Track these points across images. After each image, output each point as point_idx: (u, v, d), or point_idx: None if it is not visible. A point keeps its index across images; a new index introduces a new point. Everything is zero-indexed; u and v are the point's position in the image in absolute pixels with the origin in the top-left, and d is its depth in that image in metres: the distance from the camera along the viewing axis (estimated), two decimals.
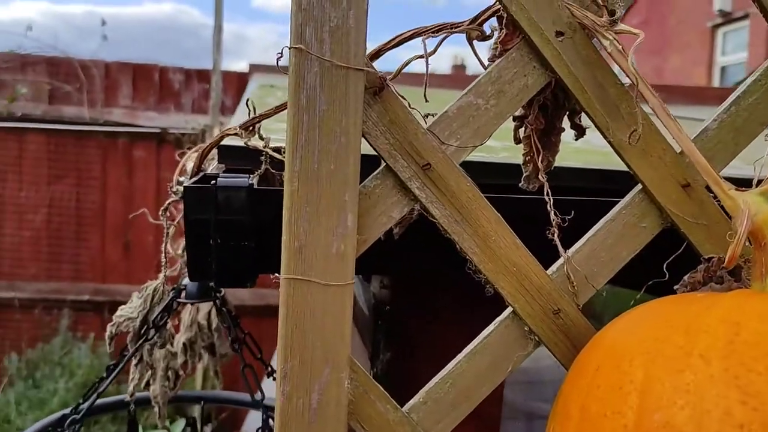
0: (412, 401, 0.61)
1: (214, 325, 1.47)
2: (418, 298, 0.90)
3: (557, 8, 0.59)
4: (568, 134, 0.69)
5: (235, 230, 0.70)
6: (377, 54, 0.60)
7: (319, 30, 0.54)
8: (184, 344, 1.40)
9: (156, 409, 1.16)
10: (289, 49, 0.54)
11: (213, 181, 0.70)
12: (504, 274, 0.61)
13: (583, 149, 1.25)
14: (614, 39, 0.58)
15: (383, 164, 0.59)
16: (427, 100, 0.57)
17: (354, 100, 0.55)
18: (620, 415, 0.45)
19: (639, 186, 0.63)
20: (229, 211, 0.70)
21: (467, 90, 0.60)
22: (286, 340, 0.56)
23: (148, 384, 1.15)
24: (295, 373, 0.56)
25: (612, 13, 0.58)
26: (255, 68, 3.29)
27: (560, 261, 0.62)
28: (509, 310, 0.62)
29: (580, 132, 0.68)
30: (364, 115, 0.56)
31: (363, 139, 0.57)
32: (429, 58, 0.61)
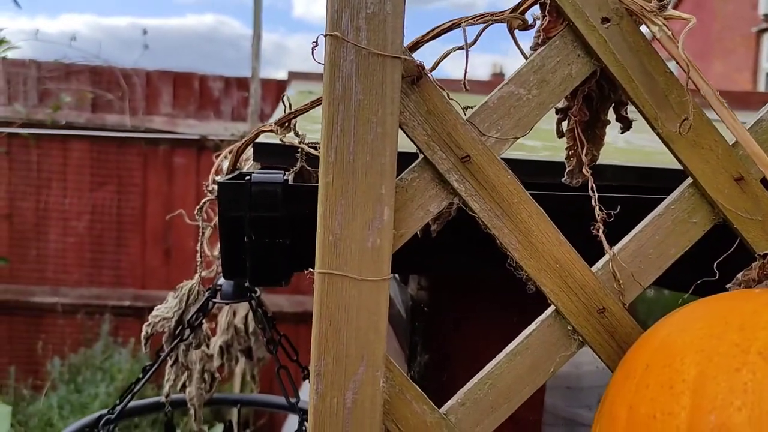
0: (449, 402, 0.59)
1: (251, 329, 1.46)
2: (456, 300, 0.88)
3: None
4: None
5: (270, 227, 0.69)
6: (416, 45, 0.58)
7: (356, 17, 0.52)
8: (220, 347, 1.40)
9: (192, 411, 1.15)
10: (325, 36, 0.53)
11: (247, 177, 0.69)
12: (546, 271, 0.58)
13: (624, 149, 1.22)
14: (663, 24, 0.55)
15: (421, 156, 0.57)
16: (467, 89, 0.55)
17: (391, 89, 0.53)
18: (672, 416, 0.42)
19: (689, 180, 0.60)
20: (263, 208, 0.69)
21: (508, 80, 0.58)
22: (320, 336, 0.55)
23: (184, 386, 1.15)
24: (329, 371, 0.55)
25: None
26: (294, 76, 3.31)
27: (606, 258, 0.60)
28: (552, 308, 0.60)
29: (626, 124, 0.65)
30: (401, 105, 0.55)
31: (400, 131, 0.55)
32: (468, 52, 0.59)
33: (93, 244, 4.51)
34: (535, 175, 0.86)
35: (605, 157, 0.75)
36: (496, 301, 0.81)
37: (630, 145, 1.21)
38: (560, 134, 0.66)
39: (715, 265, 0.60)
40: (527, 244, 0.58)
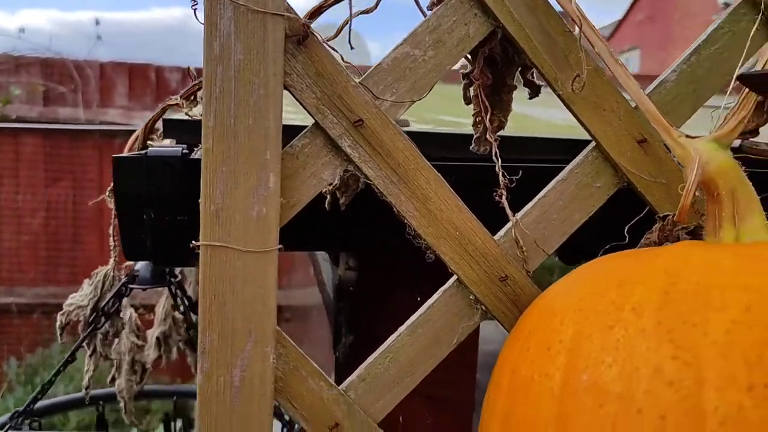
0: (349, 378, 0.57)
1: (194, 319, 1.43)
2: (384, 279, 0.85)
3: None
4: (537, 110, 0.64)
5: (169, 204, 0.66)
6: (318, 11, 0.56)
7: None
8: (157, 338, 1.36)
9: (122, 404, 1.12)
10: None
11: (144, 152, 0.66)
12: (446, 239, 0.56)
13: (561, 125, 1.21)
14: None
15: (312, 121, 0.54)
16: (352, 47, 0.53)
17: (273, 48, 0.51)
18: (548, 377, 0.40)
19: (593, 143, 0.58)
20: (160, 183, 0.66)
21: (403, 40, 0.55)
22: (204, 312, 0.52)
23: (114, 379, 1.11)
24: (215, 348, 0.52)
25: None
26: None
27: (509, 225, 0.58)
28: (454, 278, 0.58)
29: (533, 90, 0.63)
30: (287, 66, 0.52)
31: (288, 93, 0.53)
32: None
33: (49, 241, 4.40)
34: (460, 148, 0.84)
35: (533, 131, 0.73)
36: (426, 279, 0.78)
37: (567, 122, 1.20)
38: (467, 100, 0.63)
39: (626, 229, 0.59)
40: (425, 211, 0.56)
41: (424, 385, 0.58)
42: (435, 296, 0.58)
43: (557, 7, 0.55)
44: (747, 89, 0.49)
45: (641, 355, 0.37)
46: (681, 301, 0.38)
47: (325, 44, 0.53)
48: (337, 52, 0.55)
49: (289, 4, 0.52)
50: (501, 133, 0.91)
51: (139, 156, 0.66)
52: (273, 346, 0.53)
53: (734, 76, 0.49)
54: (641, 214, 0.60)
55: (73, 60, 4.15)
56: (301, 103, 0.53)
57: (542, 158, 0.79)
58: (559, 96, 0.57)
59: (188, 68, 0.69)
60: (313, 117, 0.53)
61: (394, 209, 0.56)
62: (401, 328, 0.58)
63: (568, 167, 0.59)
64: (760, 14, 0.58)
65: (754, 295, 0.38)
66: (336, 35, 0.58)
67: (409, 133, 0.88)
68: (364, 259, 0.94)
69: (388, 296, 0.90)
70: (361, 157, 0.54)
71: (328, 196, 0.64)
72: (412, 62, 0.55)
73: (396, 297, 0.90)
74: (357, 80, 0.54)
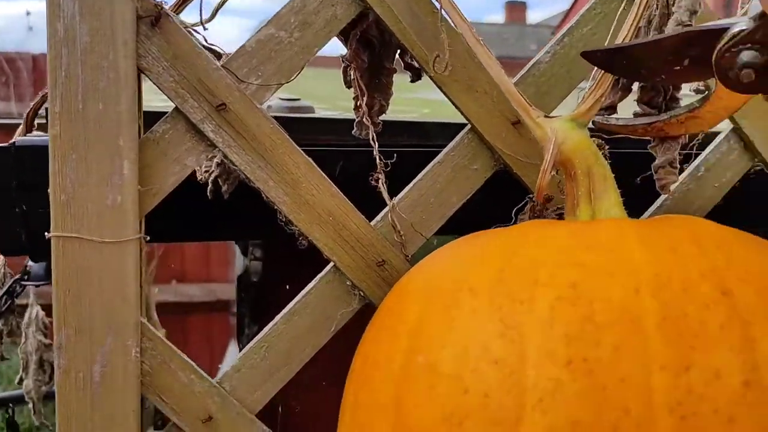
0: (223, 370, 0.56)
1: None
2: (290, 270, 0.84)
3: None
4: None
5: (43, 195, 0.63)
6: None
7: None
8: None
9: (30, 405, 1.08)
10: None
11: (12, 141, 0.63)
12: (319, 225, 0.55)
13: None
14: None
15: (173, 106, 0.52)
16: (205, 28, 0.51)
17: (123, 30, 0.48)
18: (390, 361, 0.39)
19: (468, 126, 0.58)
20: (32, 174, 0.63)
21: (267, 21, 0.54)
22: (59, 307, 0.50)
23: (21, 380, 1.07)
24: (72, 344, 0.50)
25: None
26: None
27: (386, 209, 0.57)
28: (330, 264, 0.57)
29: (414, 73, 0.62)
30: (142, 49, 0.50)
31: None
32: None
33: None
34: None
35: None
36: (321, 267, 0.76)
37: None
38: (347, 84, 0.62)
39: (514, 212, 0.59)
40: (296, 196, 0.54)
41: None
42: (312, 283, 0.57)
43: None
44: (600, 74, 0.49)
45: (472, 334, 0.37)
46: (512, 279, 0.38)
47: (182, 25, 0.51)
48: (199, 33, 0.53)
49: None
50: (405, 118, 0.90)
51: (6, 146, 0.63)
52: (137, 339, 0.51)
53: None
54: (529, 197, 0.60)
55: (4, 53, 4.00)
56: (159, 87, 0.51)
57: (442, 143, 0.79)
58: (431, 78, 0.56)
59: None
60: (172, 101, 0.52)
61: (264, 195, 0.54)
62: (277, 317, 0.57)
63: (445, 150, 0.58)
64: None
65: (581, 271, 0.38)
66: (211, 18, 0.56)
67: (309, 119, 0.87)
68: (268, 249, 0.93)
69: (292, 286, 0.89)
70: (225, 141, 0.52)
71: (210, 185, 0.63)
72: (277, 44, 0.53)
73: (300, 287, 0.89)
74: (219, 63, 0.52)
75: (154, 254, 2.41)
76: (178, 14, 0.54)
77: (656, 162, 0.57)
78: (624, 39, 0.49)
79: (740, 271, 0.41)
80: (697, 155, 0.65)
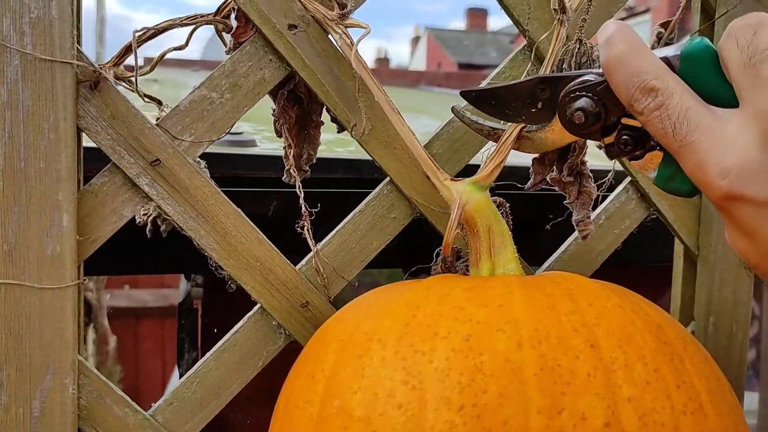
0: (157, 403, 0.60)
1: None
2: (227, 295, 0.88)
3: (288, 0, 0.58)
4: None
5: None
6: (142, 41, 0.58)
7: (18, 21, 0.51)
8: None
9: None
10: None
11: None
12: (247, 270, 0.60)
13: None
14: (343, 33, 0.58)
15: (110, 161, 0.57)
16: (144, 99, 0.56)
17: (63, 94, 0.53)
18: (309, 404, 0.45)
19: (387, 178, 0.63)
20: None
21: (200, 84, 0.58)
22: (0, 347, 0.53)
23: None
24: (12, 382, 0.54)
25: (343, 6, 0.58)
26: (148, 61, 3.19)
27: (310, 254, 0.62)
28: (257, 306, 0.62)
29: (340, 125, 0.68)
30: (81, 110, 0.54)
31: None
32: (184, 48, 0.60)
33: None
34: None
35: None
36: None
37: None
38: (278, 134, 0.67)
39: (435, 254, 0.65)
40: (225, 244, 0.59)
41: None
42: (240, 323, 0.62)
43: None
44: (505, 137, 0.55)
45: (380, 381, 0.42)
46: (415, 331, 0.44)
47: (117, 89, 0.55)
48: (140, 91, 0.58)
49: (80, 50, 0.54)
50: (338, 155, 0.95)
51: None
52: (73, 377, 0.55)
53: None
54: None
55: None
56: (97, 144, 0.56)
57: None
58: (353, 136, 0.62)
59: None
60: (110, 157, 0.56)
61: (195, 242, 0.59)
62: (208, 354, 0.61)
63: (366, 200, 0.64)
64: (532, 57, 0.65)
65: (474, 326, 0.44)
66: (151, 69, 0.61)
67: (248, 156, 0.91)
68: (209, 276, 0.97)
69: (231, 313, 0.94)
70: (159, 194, 0.57)
71: (149, 225, 0.67)
72: (209, 104, 0.58)
73: (239, 314, 0.93)
74: (154, 122, 0.57)
75: None
76: (117, 66, 0.59)
77: (575, 217, 0.64)
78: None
79: (607, 326, 0.47)
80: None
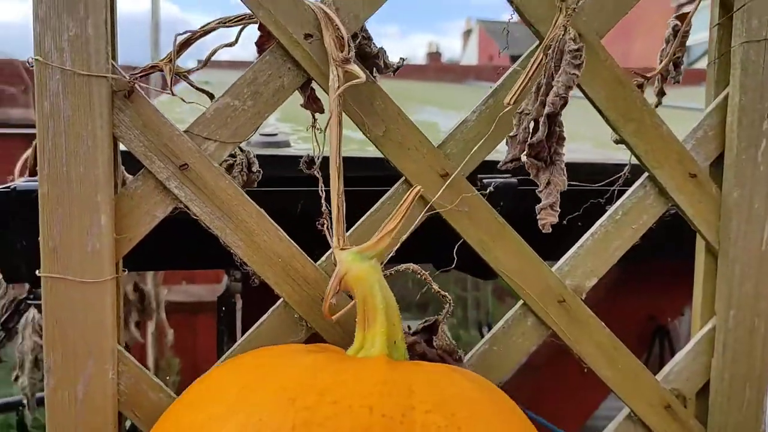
0: (186, 390, 0.65)
1: None
2: (265, 290, 0.93)
3: (304, 11, 0.62)
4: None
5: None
6: (186, 44, 0.62)
7: (58, 39, 0.56)
8: None
9: (25, 401, 1.18)
10: (34, 59, 0.57)
11: (11, 186, 0.73)
12: (269, 265, 0.64)
13: None
14: (338, 75, 0.60)
15: (143, 167, 0.61)
16: (174, 94, 0.60)
17: (99, 105, 0.58)
18: None
19: (402, 178, 0.66)
20: (30, 215, 0.72)
21: (225, 92, 0.63)
22: (47, 335, 0.59)
23: (17, 378, 1.18)
24: (59, 367, 0.59)
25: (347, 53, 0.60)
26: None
27: (329, 251, 0.66)
28: (281, 299, 0.65)
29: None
30: (116, 119, 0.59)
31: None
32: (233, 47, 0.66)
33: None
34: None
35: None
36: None
37: None
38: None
39: (455, 250, 0.68)
40: (250, 242, 0.63)
41: None
42: (264, 316, 0.66)
43: None
44: (399, 205, 0.57)
45: None
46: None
47: (148, 100, 0.60)
48: (181, 98, 0.62)
49: (114, 65, 0.59)
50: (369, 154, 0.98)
51: (7, 190, 0.73)
52: (113, 364, 0.61)
53: None
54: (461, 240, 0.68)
55: (22, 60, 4.14)
56: (131, 151, 0.60)
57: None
58: (368, 137, 0.65)
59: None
60: (142, 163, 0.61)
61: (221, 240, 0.63)
62: (235, 345, 0.66)
63: (382, 198, 0.67)
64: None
65: (307, 414, 0.46)
66: (201, 68, 0.65)
67: (280, 158, 0.96)
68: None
69: (269, 306, 0.98)
70: (187, 196, 0.62)
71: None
72: (233, 111, 0.62)
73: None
74: (182, 129, 0.61)
75: None
76: (145, 76, 0.63)
77: (540, 204, 0.65)
78: (512, 97, 0.59)
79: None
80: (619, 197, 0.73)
